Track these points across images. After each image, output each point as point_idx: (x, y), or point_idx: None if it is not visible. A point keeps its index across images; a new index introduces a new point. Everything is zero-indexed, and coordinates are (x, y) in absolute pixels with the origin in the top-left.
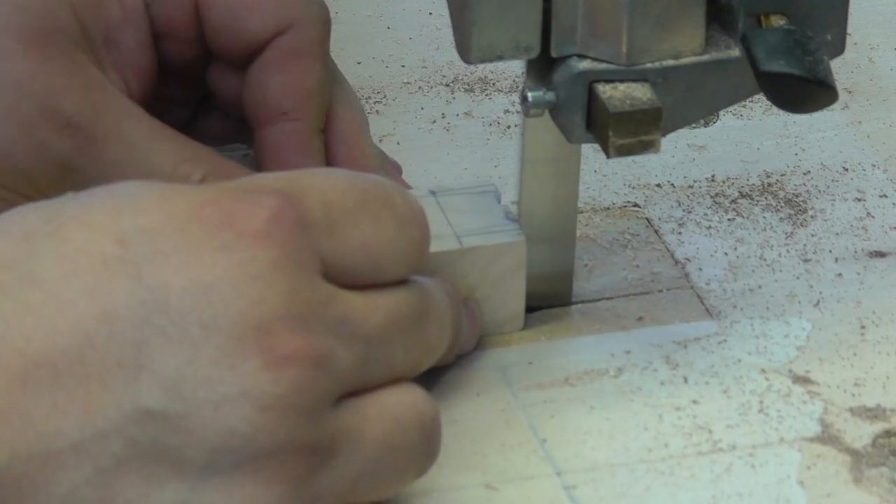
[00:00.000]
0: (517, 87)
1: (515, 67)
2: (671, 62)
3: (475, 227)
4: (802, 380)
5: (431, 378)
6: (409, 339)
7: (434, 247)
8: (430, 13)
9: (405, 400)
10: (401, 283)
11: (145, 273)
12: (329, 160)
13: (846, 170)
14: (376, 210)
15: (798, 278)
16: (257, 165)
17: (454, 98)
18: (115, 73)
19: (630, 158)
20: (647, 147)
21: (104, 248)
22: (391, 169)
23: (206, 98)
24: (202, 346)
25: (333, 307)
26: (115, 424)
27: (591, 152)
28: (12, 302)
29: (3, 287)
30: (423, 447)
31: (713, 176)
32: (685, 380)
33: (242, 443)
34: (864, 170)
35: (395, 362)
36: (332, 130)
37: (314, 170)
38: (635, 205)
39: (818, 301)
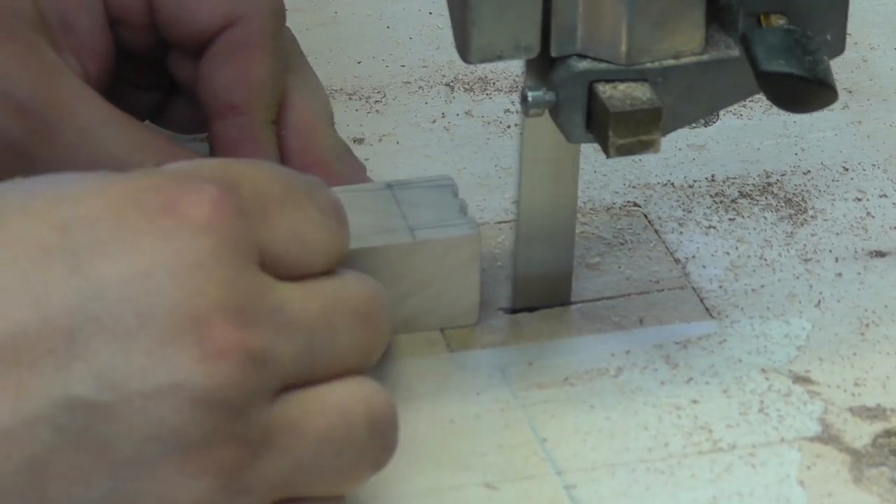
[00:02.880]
0: (517, 86)
1: (515, 67)
2: (671, 62)
3: (429, 221)
4: (802, 379)
5: (431, 378)
6: (352, 327)
7: (387, 240)
8: (430, 13)
9: (353, 392)
10: (333, 273)
11: (82, 261)
12: (282, 153)
13: (846, 170)
14: (301, 200)
15: (798, 278)
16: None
17: (454, 98)
18: (72, 56)
19: (630, 158)
20: (647, 147)
21: (43, 235)
22: (352, 162)
23: (174, 85)
24: (137, 336)
25: (272, 297)
26: (45, 412)
27: (591, 152)
28: None
29: None
30: (374, 441)
31: (713, 176)
32: (685, 379)
33: (171, 434)
34: (864, 170)
35: (341, 352)
36: (286, 123)
37: (242, 159)
38: (635, 204)
39: (818, 301)
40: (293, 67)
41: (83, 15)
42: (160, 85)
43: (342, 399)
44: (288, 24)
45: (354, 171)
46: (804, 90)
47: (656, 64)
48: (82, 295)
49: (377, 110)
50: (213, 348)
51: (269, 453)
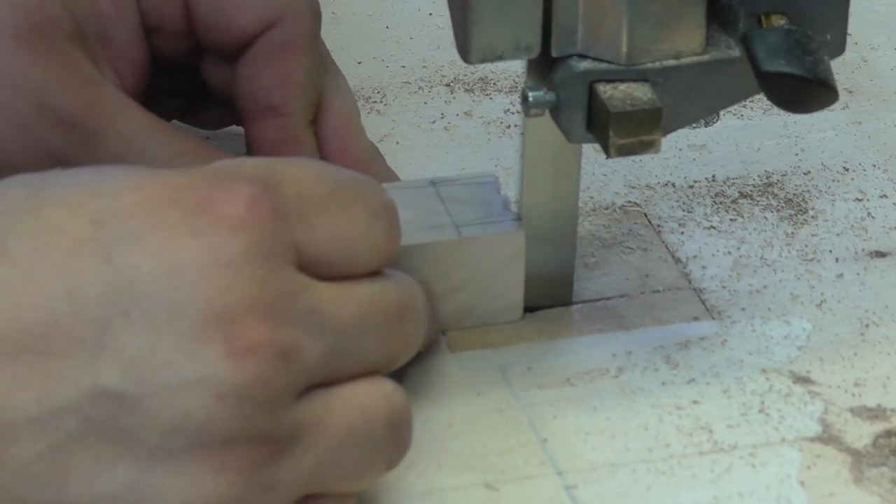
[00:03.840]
0: (517, 87)
1: (515, 67)
2: (671, 62)
3: (474, 218)
4: (803, 380)
5: (430, 380)
6: (383, 333)
7: (433, 237)
8: (430, 13)
9: (373, 391)
10: (376, 276)
11: (115, 254)
12: (320, 153)
13: (846, 170)
14: (348, 201)
15: (798, 278)
16: None
17: (454, 98)
18: (109, 67)
19: (630, 158)
20: (647, 147)
21: (78, 227)
22: (382, 163)
23: (201, 87)
24: (165, 330)
25: (304, 298)
26: (72, 401)
27: (591, 152)
28: None
29: None
30: (390, 439)
31: (713, 176)
32: (686, 380)
33: (196, 428)
34: (864, 170)
35: (368, 355)
36: (324, 123)
37: (289, 158)
38: (636, 204)
39: (819, 301)
40: (327, 68)
41: (120, 26)
42: (185, 91)
43: (364, 397)
44: None
45: (388, 173)
46: (804, 90)
47: (657, 64)
48: (113, 287)
49: (377, 110)
50: (240, 345)
51: (293, 451)
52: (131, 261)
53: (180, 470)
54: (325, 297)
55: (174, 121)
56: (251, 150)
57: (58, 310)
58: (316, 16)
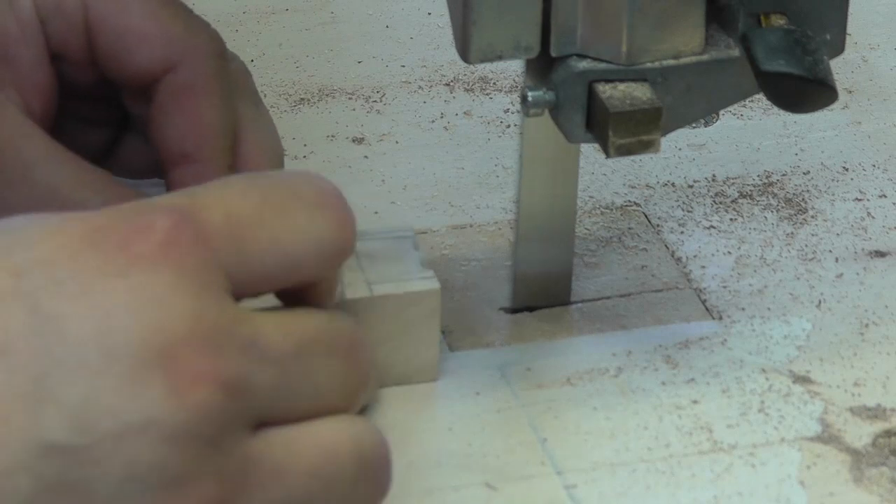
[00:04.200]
0: (517, 86)
1: (515, 67)
2: (671, 62)
3: (388, 275)
4: (803, 379)
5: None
6: (334, 364)
7: (345, 293)
8: (430, 13)
9: (338, 430)
10: (320, 310)
11: (41, 303)
12: None
13: (846, 170)
14: (282, 203)
15: (798, 278)
16: None
17: (454, 97)
18: (14, 90)
19: (630, 158)
20: (647, 147)
21: None
22: None
23: (128, 119)
24: (104, 376)
25: (242, 327)
26: (21, 461)
27: (591, 152)
28: None
29: None
30: (364, 480)
31: (713, 176)
32: (686, 380)
33: (147, 472)
34: (864, 170)
35: (321, 388)
36: (241, 162)
37: (212, 182)
38: (635, 204)
39: (818, 301)
40: (246, 103)
41: (24, 48)
42: (112, 121)
43: (326, 436)
44: (287, 24)
45: None
46: (804, 90)
47: (656, 64)
48: (45, 338)
49: (377, 110)
50: (181, 380)
51: (251, 490)
52: (58, 309)
53: None
54: (263, 326)
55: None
56: None
57: None
58: (219, 53)
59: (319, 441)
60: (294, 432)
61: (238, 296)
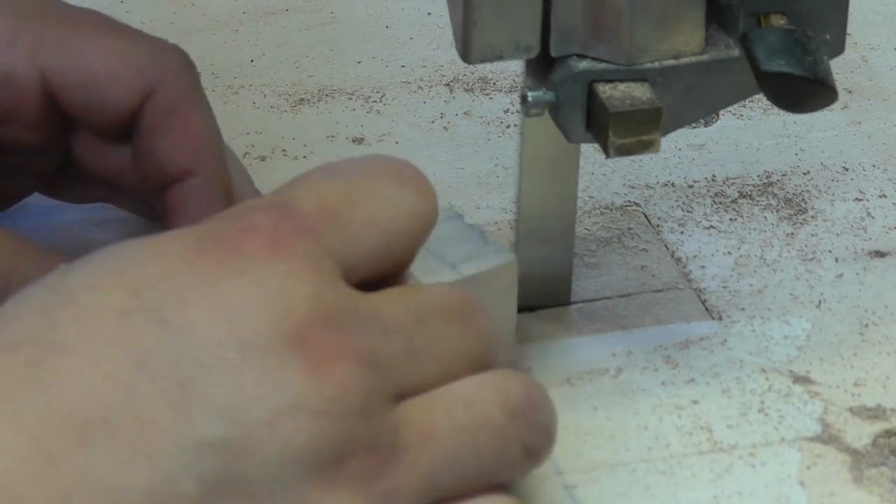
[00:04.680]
0: (517, 86)
1: (515, 67)
2: (671, 62)
3: (465, 254)
4: (803, 380)
5: None
6: (452, 331)
7: (435, 279)
8: (430, 13)
9: (479, 383)
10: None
11: (167, 314)
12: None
13: (846, 170)
14: (366, 182)
15: (798, 278)
16: (170, 226)
17: (453, 97)
18: None
19: (630, 158)
20: (646, 147)
21: (119, 302)
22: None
23: (65, 165)
24: (243, 369)
25: (361, 305)
26: (181, 463)
27: (591, 152)
28: (48, 372)
29: (35, 360)
30: (516, 425)
31: (713, 176)
32: (686, 380)
33: (302, 453)
34: (864, 170)
35: (446, 355)
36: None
37: (293, 178)
38: (635, 204)
39: (818, 301)
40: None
41: None
42: (44, 172)
43: (465, 390)
44: (287, 24)
45: None
46: (804, 90)
47: (656, 64)
48: (178, 344)
49: (377, 110)
50: (317, 361)
51: (402, 456)
52: (185, 316)
53: (300, 500)
54: (382, 303)
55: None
56: (172, 217)
57: (134, 381)
58: (187, 63)
59: (460, 396)
60: (434, 393)
61: (349, 280)
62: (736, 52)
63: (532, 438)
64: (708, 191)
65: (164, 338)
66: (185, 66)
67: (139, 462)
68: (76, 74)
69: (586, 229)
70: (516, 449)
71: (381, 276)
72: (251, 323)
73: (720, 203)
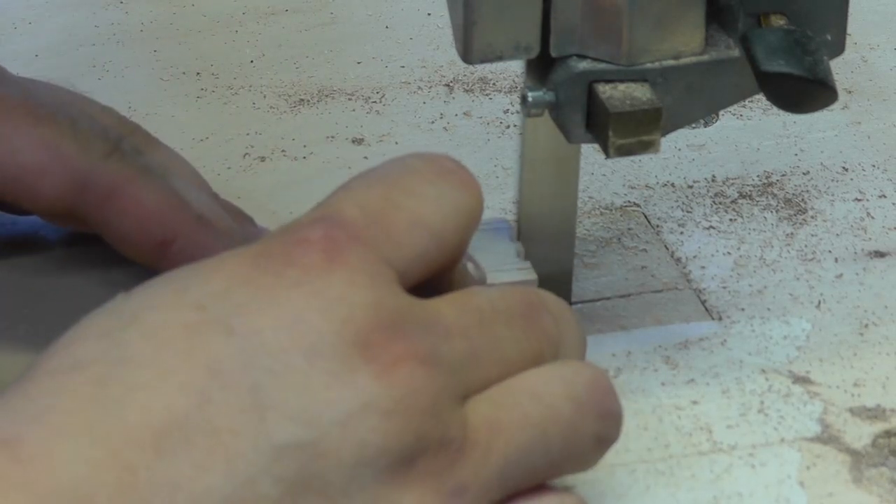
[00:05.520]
0: (516, 87)
1: (515, 67)
2: (671, 62)
3: (485, 265)
4: (802, 380)
5: None
6: (514, 330)
7: None
8: (429, 13)
9: (545, 375)
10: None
11: (234, 325)
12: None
13: (846, 170)
14: (405, 183)
15: (798, 279)
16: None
17: (453, 98)
18: None
19: (630, 158)
20: (647, 147)
21: (183, 317)
22: (245, 220)
23: None
24: (312, 374)
25: (420, 309)
26: (259, 467)
27: (591, 152)
28: (118, 386)
29: (104, 377)
30: (583, 414)
31: (713, 176)
32: (685, 380)
33: (376, 453)
34: (863, 170)
35: (508, 354)
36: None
37: (332, 192)
38: (635, 205)
39: (818, 301)
40: (149, 144)
41: None
42: None
43: (533, 384)
44: (287, 24)
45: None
46: (804, 90)
47: (656, 64)
48: (247, 352)
49: (376, 111)
50: (382, 363)
51: (472, 453)
52: (251, 326)
53: (373, 501)
54: (440, 307)
55: None
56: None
57: (207, 389)
58: (117, 136)
59: (527, 389)
60: (500, 389)
61: (404, 283)
62: (736, 52)
63: (602, 426)
64: (708, 191)
65: (233, 346)
66: (114, 141)
67: (218, 467)
68: (6, 168)
69: (586, 230)
70: (587, 438)
71: (436, 273)
72: (314, 330)
73: (720, 203)
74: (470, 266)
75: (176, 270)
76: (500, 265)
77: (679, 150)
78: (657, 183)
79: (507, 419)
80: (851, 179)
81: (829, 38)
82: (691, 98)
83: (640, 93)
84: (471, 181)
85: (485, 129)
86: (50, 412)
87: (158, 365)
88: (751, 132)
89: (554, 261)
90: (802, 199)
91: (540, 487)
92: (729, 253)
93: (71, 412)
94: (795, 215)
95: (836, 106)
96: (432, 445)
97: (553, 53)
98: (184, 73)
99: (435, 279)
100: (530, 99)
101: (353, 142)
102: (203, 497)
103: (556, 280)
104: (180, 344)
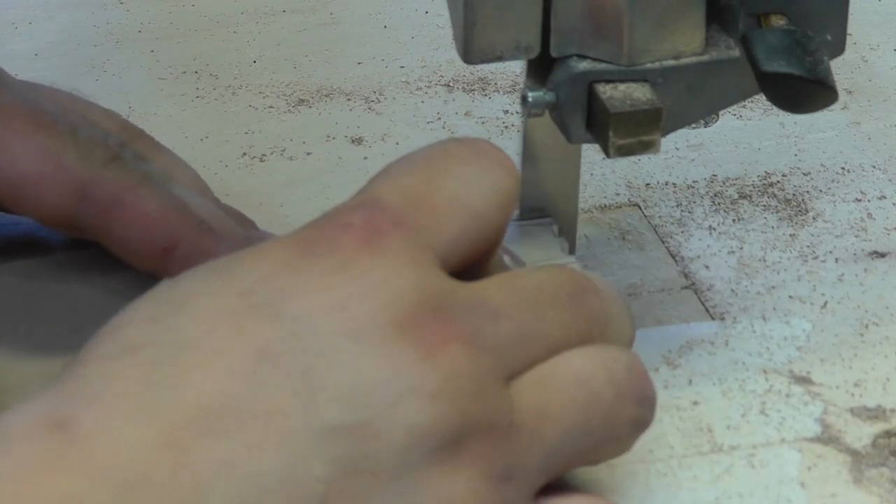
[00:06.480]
0: (516, 87)
1: (515, 67)
2: (671, 62)
3: (530, 260)
4: (803, 380)
5: None
6: (560, 311)
7: None
8: (429, 13)
9: (589, 359)
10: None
11: (280, 308)
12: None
13: (846, 170)
14: (443, 166)
15: (798, 279)
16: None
17: (453, 98)
18: None
19: (630, 158)
20: (647, 147)
21: (230, 303)
22: (247, 224)
23: None
24: (360, 357)
25: (464, 291)
26: (311, 448)
27: (591, 152)
28: (170, 369)
29: (156, 360)
30: (622, 403)
31: (713, 176)
32: (686, 381)
33: (424, 435)
34: (863, 170)
35: (555, 335)
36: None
37: (371, 178)
38: (635, 204)
39: (819, 302)
40: (154, 150)
41: None
42: None
43: (577, 367)
44: (286, 24)
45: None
46: (804, 90)
47: (656, 64)
48: (296, 335)
49: (376, 111)
50: (428, 345)
51: (519, 435)
52: (299, 309)
53: (426, 482)
54: (485, 289)
55: None
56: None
57: (257, 372)
58: (117, 145)
59: (570, 373)
60: (544, 370)
61: (446, 266)
62: (736, 52)
63: (639, 411)
64: (707, 191)
65: (281, 330)
66: (114, 149)
67: (270, 448)
68: (6, 175)
69: (586, 229)
70: (625, 422)
71: (477, 256)
72: (361, 314)
73: (720, 203)
74: (507, 259)
75: (220, 259)
76: (546, 260)
77: (678, 150)
78: (657, 183)
79: (555, 403)
80: (852, 180)
81: (829, 38)
82: (691, 98)
83: (640, 93)
84: (507, 161)
85: (484, 129)
86: (103, 394)
87: (209, 348)
88: (751, 132)
89: (554, 261)
90: (803, 200)
91: (569, 490)
92: (730, 253)
93: (124, 394)
94: (796, 216)
95: (836, 106)
96: (479, 427)
97: (553, 53)
98: (183, 72)
99: (475, 268)
100: (530, 99)
101: (353, 141)
102: (257, 477)
103: None
104: (230, 328)
